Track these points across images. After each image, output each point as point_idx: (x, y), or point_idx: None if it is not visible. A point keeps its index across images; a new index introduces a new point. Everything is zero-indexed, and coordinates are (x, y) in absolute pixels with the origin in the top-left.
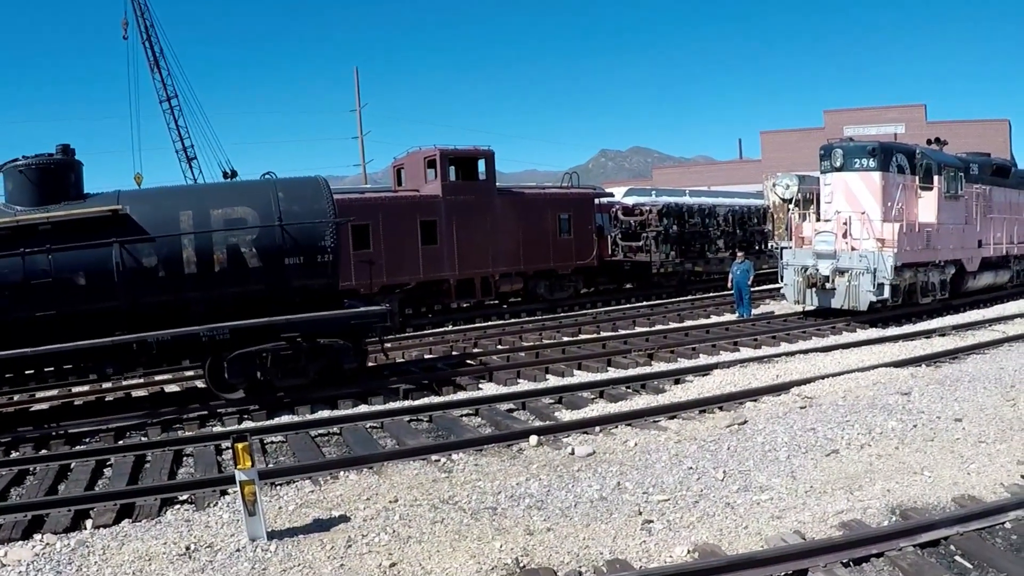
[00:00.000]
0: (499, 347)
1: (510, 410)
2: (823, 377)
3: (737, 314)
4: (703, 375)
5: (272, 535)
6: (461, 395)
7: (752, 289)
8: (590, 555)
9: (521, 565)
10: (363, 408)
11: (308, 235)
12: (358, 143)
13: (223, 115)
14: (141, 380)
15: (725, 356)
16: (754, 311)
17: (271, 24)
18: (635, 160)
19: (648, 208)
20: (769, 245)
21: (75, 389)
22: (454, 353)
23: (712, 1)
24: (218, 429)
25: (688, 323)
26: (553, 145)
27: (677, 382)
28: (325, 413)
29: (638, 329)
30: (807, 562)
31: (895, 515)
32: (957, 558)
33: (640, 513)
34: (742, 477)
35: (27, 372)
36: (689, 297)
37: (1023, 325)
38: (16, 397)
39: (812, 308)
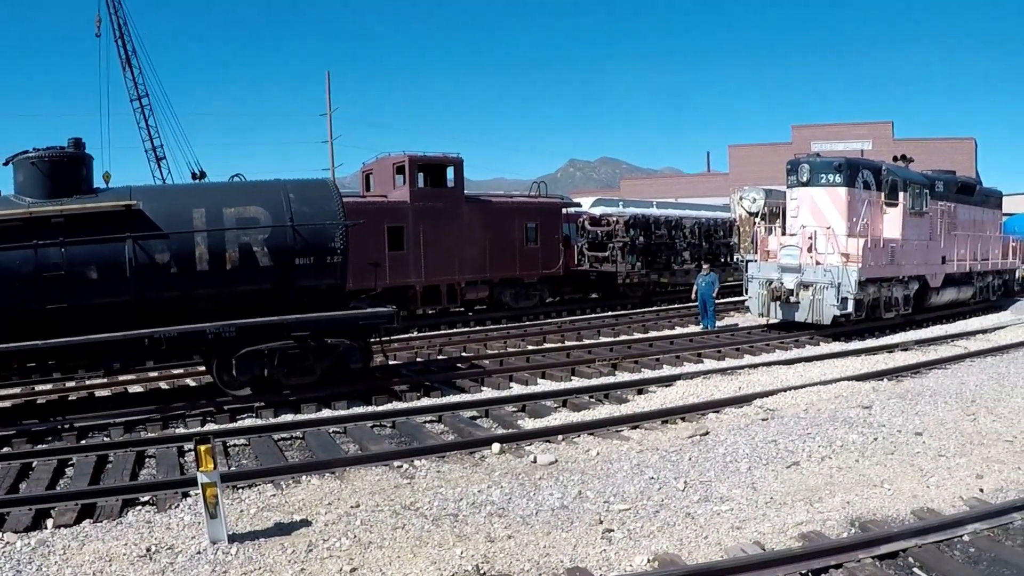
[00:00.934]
0: (464, 354)
1: (473, 417)
2: (785, 389)
3: (702, 326)
4: (666, 386)
5: (233, 538)
6: (425, 401)
7: (717, 301)
8: (550, 563)
9: (482, 572)
10: (327, 412)
11: (319, 236)
12: (327, 147)
13: (191, 115)
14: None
15: (688, 367)
16: (719, 323)
17: (241, 26)
18: (604, 171)
19: (615, 219)
20: (735, 258)
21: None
22: (418, 359)
23: (683, 16)
24: (181, 431)
25: (653, 334)
26: (522, 154)
27: (640, 392)
28: (289, 417)
29: (603, 339)
30: (766, 573)
31: (854, 527)
32: (915, 570)
33: (601, 522)
34: (703, 487)
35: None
36: (654, 308)
37: (985, 341)
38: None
39: (776, 321)
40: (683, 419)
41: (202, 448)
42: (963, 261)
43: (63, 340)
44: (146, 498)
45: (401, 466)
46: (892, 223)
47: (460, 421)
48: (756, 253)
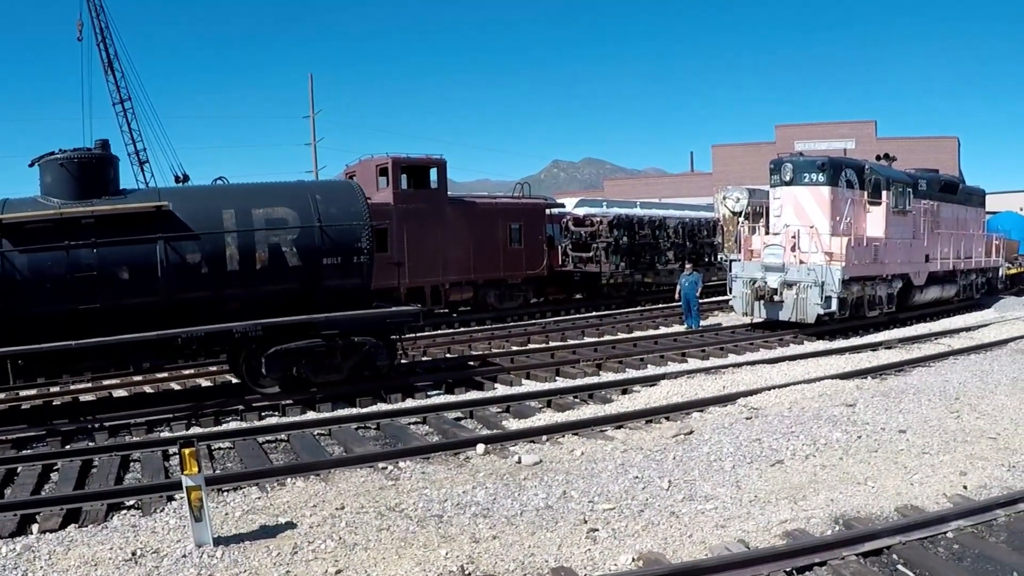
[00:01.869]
0: (448, 356)
1: (458, 418)
2: (769, 388)
3: (686, 325)
4: (650, 385)
5: (218, 541)
6: (409, 403)
7: (701, 301)
8: (535, 563)
9: (466, 573)
10: (311, 415)
11: (345, 237)
12: (311, 149)
13: (172, 118)
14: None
15: (673, 367)
16: (703, 322)
17: (223, 28)
18: (587, 171)
19: (599, 219)
20: (719, 257)
21: (106, 382)
22: (403, 361)
23: (667, 17)
24: (165, 435)
25: (637, 334)
26: (506, 155)
27: (624, 392)
28: (273, 420)
29: (587, 339)
30: (750, 571)
31: (838, 525)
32: (899, 567)
33: (585, 521)
34: (687, 486)
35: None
36: (638, 308)
37: (968, 339)
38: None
39: (760, 320)
40: (667, 418)
41: (186, 451)
42: (946, 259)
43: (97, 340)
44: (131, 502)
45: (386, 468)
46: (875, 222)
47: (444, 422)
48: (740, 252)
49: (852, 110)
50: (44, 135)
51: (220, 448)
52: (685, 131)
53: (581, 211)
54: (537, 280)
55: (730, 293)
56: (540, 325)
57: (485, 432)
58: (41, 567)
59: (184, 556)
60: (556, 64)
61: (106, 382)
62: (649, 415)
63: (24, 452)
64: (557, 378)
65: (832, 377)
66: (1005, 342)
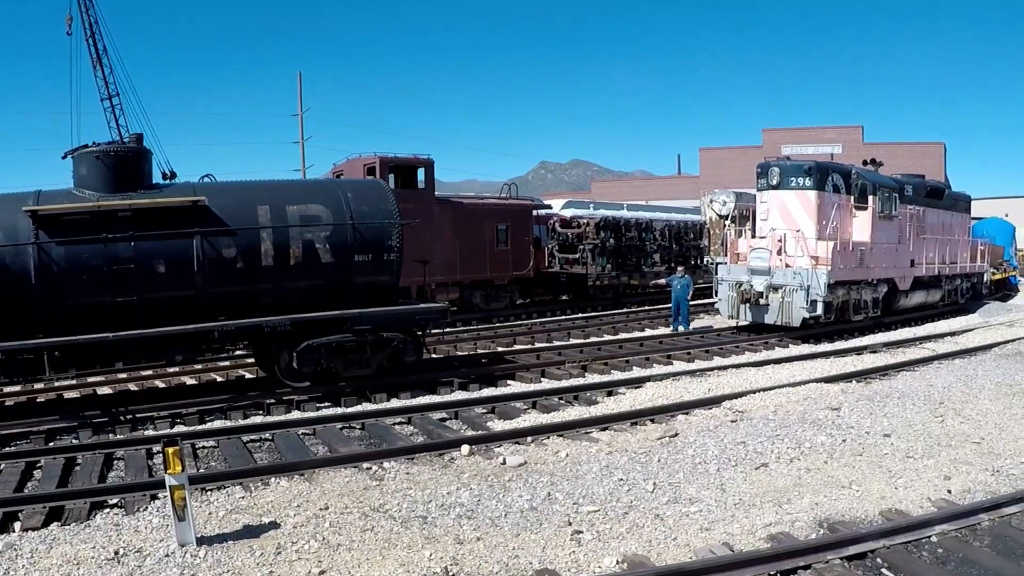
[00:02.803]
0: (433, 356)
1: (443, 419)
2: (755, 391)
3: (672, 327)
4: (636, 388)
5: (201, 541)
6: (394, 403)
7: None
8: (519, 565)
9: (451, 574)
10: (296, 414)
11: (377, 234)
12: (299, 148)
13: (159, 114)
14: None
15: (658, 369)
16: (690, 325)
17: (211, 26)
18: (575, 173)
19: (586, 221)
20: (705, 260)
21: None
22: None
23: (655, 20)
24: (149, 433)
25: (623, 336)
26: (494, 156)
27: (610, 394)
28: (257, 419)
29: (573, 341)
30: (735, 574)
31: (823, 528)
32: (884, 571)
33: (570, 523)
34: (672, 489)
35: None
36: (624, 310)
37: (953, 343)
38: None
39: (746, 323)
40: (652, 421)
41: (170, 450)
42: (932, 264)
43: (136, 332)
44: (114, 501)
45: (370, 468)
46: (861, 226)
47: (429, 423)
48: (726, 256)
49: (839, 115)
50: (31, 129)
51: (204, 447)
52: (673, 134)
53: (568, 213)
54: (523, 281)
55: (716, 296)
56: (526, 326)
57: (470, 433)
58: (23, 565)
59: (167, 555)
60: (545, 66)
61: (90, 379)
62: (634, 417)
63: (7, 449)
64: (543, 379)
65: (817, 380)
66: (989, 347)
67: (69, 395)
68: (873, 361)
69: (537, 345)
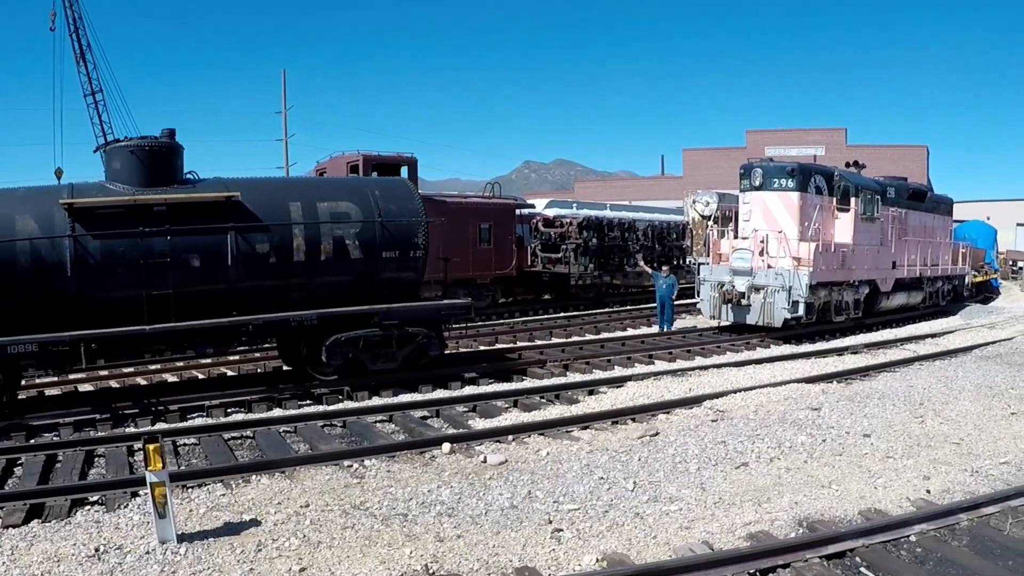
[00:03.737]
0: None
1: (424, 417)
2: (735, 391)
3: (660, 328)
4: (617, 387)
5: (182, 538)
6: (375, 401)
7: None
8: (499, 563)
9: (431, 572)
10: (277, 412)
11: (404, 232)
12: (282, 145)
13: (141, 110)
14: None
15: (640, 368)
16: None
17: (194, 22)
18: (558, 172)
19: (569, 220)
20: (687, 261)
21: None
22: None
23: (639, 21)
24: (130, 430)
25: (604, 335)
26: (477, 154)
27: (591, 393)
28: (239, 417)
29: (555, 340)
30: (714, 572)
31: (802, 527)
32: (862, 570)
33: (550, 522)
34: (652, 488)
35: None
36: (606, 309)
37: (934, 345)
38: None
39: (728, 323)
40: (633, 420)
41: (151, 447)
42: (913, 266)
43: (172, 325)
44: (95, 498)
45: (351, 466)
46: (843, 228)
47: (411, 421)
48: (708, 256)
49: (823, 117)
50: (12, 125)
51: (185, 444)
52: (656, 135)
53: (551, 212)
54: (506, 280)
55: (698, 296)
56: (508, 325)
57: (451, 431)
58: (3, 562)
59: (147, 553)
60: (529, 66)
61: (71, 376)
62: (615, 416)
63: None
64: (524, 378)
65: (798, 381)
66: (970, 349)
67: (50, 392)
68: (854, 362)
69: (519, 344)
